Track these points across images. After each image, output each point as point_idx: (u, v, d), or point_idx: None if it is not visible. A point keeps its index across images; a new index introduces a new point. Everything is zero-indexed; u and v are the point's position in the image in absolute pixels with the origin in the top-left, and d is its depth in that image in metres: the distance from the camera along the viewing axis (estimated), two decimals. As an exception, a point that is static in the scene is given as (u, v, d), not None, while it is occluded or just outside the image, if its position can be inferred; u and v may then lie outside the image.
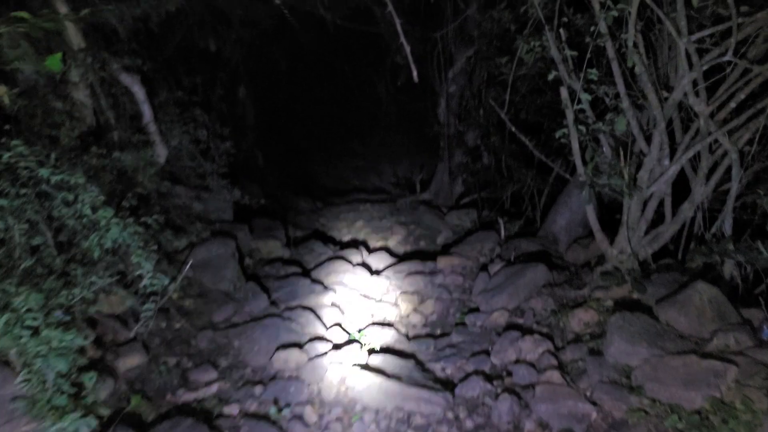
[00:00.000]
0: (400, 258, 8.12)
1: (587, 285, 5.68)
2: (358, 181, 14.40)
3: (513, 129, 6.91)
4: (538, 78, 7.56)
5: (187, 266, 5.33)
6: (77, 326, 4.09)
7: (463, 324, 5.81)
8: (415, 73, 5.09)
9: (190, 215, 6.61)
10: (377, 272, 7.47)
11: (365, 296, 6.69)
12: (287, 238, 8.35)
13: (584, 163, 5.42)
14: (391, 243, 9.44)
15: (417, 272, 7.22)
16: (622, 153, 5.17)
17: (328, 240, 8.97)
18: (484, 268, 6.75)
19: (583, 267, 6.34)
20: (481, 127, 10.09)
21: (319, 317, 5.88)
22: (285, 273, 7.03)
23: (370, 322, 6.03)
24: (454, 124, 10.79)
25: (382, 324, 5.94)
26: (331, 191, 13.42)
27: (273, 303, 6.15)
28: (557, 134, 5.48)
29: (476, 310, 5.96)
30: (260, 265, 7.19)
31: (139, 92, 6.44)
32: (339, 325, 5.81)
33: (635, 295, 5.16)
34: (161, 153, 6.64)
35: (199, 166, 7.22)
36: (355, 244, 8.78)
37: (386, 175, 14.36)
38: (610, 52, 5.05)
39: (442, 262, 7.31)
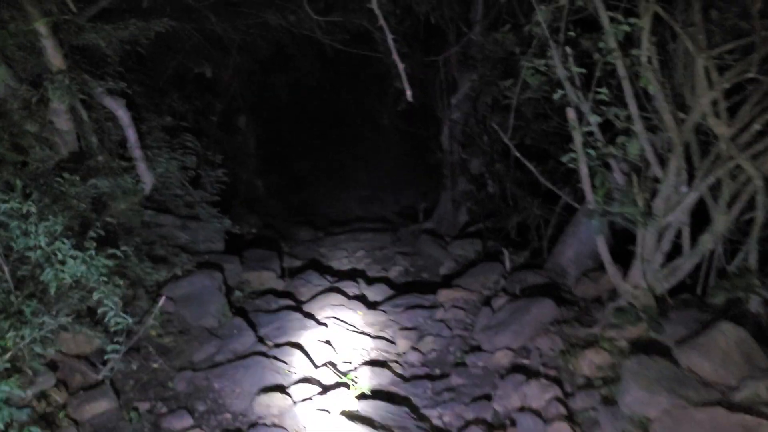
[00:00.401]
0: (400, 290, 7.63)
1: (598, 322, 5.16)
2: (361, 210, 13.96)
3: (517, 155, 6.44)
4: (543, 102, 7.12)
5: (161, 302, 4.84)
6: (29, 371, 3.61)
7: (464, 364, 5.29)
8: (409, 93, 4.70)
9: (175, 246, 6.15)
10: (375, 305, 6.97)
11: (361, 332, 6.19)
12: (282, 269, 7.88)
13: (594, 189, 4.93)
14: (392, 273, 8.96)
15: (416, 306, 6.72)
16: (635, 179, 4.68)
17: (325, 271, 8.49)
18: (487, 302, 6.23)
19: (593, 302, 5.82)
20: (485, 154, 9.63)
21: (308, 355, 5.38)
22: (276, 306, 6.54)
23: (364, 360, 5.53)
24: (458, 152, 10.34)
25: (376, 363, 5.43)
26: (333, 221, 12.99)
27: (260, 339, 5.65)
28: (564, 159, 5.01)
29: (478, 348, 5.44)
30: (251, 298, 6.70)
31: (123, 116, 6.04)
32: (329, 364, 5.30)
33: (651, 335, 4.64)
34: (147, 180, 6.20)
35: (187, 194, 6.78)
36: (353, 275, 8.30)
37: (389, 203, 13.94)
38: (621, 71, 4.60)
39: (443, 295, 6.80)
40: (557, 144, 8.04)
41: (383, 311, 6.71)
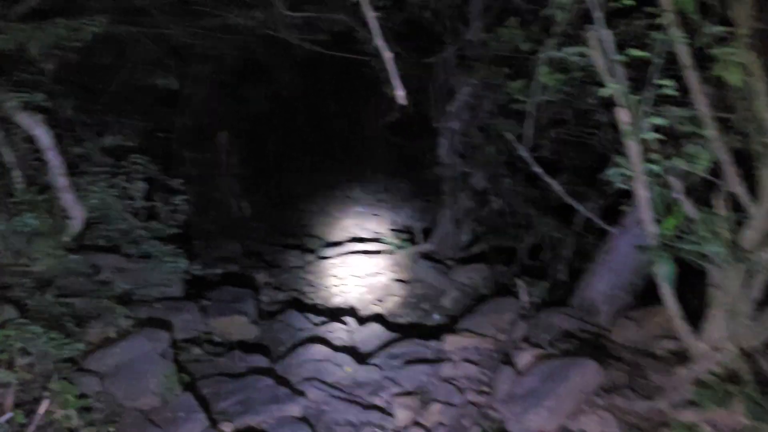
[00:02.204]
0: (397, 331, 6.20)
1: (664, 393, 3.70)
2: (356, 229, 12.53)
3: (538, 170, 5.01)
4: (561, 106, 5.74)
5: (42, 409, 3.35)
6: None
7: (484, 452, 3.83)
8: (400, 93, 3.27)
9: (110, 296, 4.67)
10: (366, 358, 5.51)
11: (348, 398, 4.73)
12: (258, 310, 6.42)
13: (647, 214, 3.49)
14: (388, 306, 7.53)
15: (418, 359, 5.25)
16: (720, 202, 3.24)
17: (309, 309, 7.03)
18: (507, 359, 4.76)
19: (642, 354, 4.37)
20: (489, 167, 8.21)
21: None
22: (244, 367, 5.06)
23: (353, 449, 4.07)
24: (458, 165, 8.91)
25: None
26: (325, 242, 11.55)
27: (213, 423, 4.15)
28: (611, 176, 3.56)
29: (502, 429, 3.97)
30: (213, 355, 5.20)
31: (42, 136, 4.61)
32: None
33: (747, 420, 3.20)
34: (76, 214, 4.77)
35: (136, 229, 5.32)
36: (341, 314, 6.85)
37: (386, 222, 12.49)
38: (684, 57, 3.18)
39: (450, 342, 5.33)
40: (575, 155, 6.69)
41: (377, 366, 5.25)
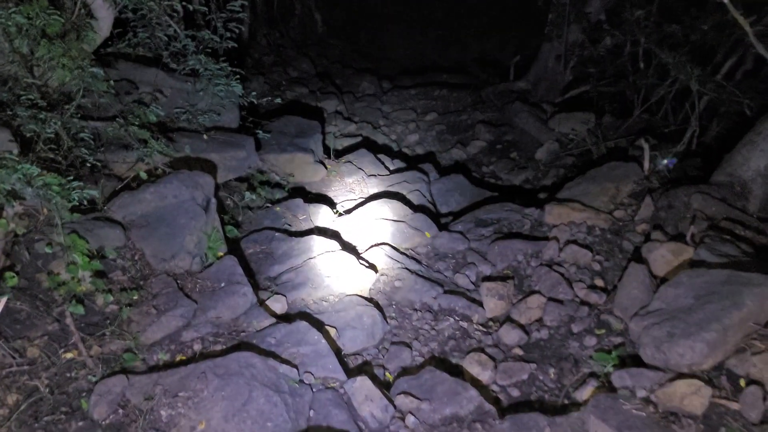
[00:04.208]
0: (484, 187, 5.05)
1: None
2: (437, 55, 10.94)
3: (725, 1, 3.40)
4: None
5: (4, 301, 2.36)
6: None
7: (610, 386, 2.75)
8: None
9: (142, 125, 3.56)
10: (448, 222, 4.41)
11: (426, 275, 3.69)
12: (325, 148, 5.30)
13: None
14: (471, 151, 6.35)
15: (513, 233, 4.10)
16: None
17: (383, 149, 5.88)
18: (636, 253, 3.56)
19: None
20: (613, -6, 6.46)
21: (335, 342, 2.93)
22: (303, 221, 4.04)
23: (428, 351, 3.07)
24: (573, -12, 7.15)
25: (447, 357, 2.98)
26: (403, 68, 10.11)
27: (260, 296, 3.18)
28: None
29: (635, 359, 2.86)
30: (268, 201, 4.17)
31: None
32: (367, 364, 2.87)
33: None
34: (102, 14, 3.55)
35: (176, 39, 4.10)
36: (418, 158, 5.69)
37: (472, 49, 10.83)
38: None
39: (554, 214, 4.12)
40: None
41: (460, 235, 4.12)
